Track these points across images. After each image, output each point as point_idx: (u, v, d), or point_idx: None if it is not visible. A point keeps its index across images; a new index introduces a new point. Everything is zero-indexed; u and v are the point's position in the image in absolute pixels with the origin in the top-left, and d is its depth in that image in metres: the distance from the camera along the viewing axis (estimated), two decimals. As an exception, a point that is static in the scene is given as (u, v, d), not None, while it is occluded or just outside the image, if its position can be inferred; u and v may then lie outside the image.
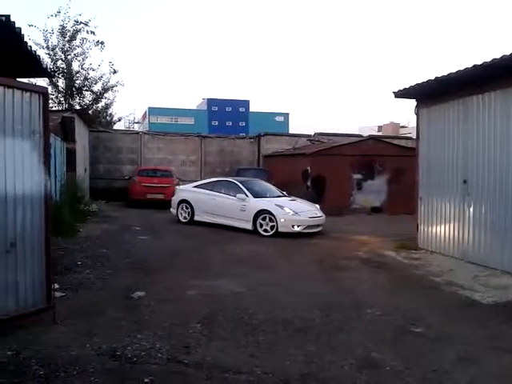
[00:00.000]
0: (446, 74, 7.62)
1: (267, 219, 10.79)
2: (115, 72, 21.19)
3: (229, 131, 45.95)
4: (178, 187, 13.58)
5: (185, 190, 12.87)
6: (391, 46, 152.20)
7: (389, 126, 53.56)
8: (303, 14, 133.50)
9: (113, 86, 21.87)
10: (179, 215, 12.54)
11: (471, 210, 7.80)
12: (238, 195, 11.46)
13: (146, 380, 3.48)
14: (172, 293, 5.81)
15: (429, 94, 8.79)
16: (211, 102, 65.10)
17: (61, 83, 20.09)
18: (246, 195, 11.41)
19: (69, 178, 13.19)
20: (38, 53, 6.91)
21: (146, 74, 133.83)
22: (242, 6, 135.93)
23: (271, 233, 10.68)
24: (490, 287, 6.35)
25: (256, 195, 11.53)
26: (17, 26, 5.37)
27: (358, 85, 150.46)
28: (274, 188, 12.70)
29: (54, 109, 17.15)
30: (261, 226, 10.85)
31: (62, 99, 20.19)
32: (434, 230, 8.81)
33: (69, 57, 19.77)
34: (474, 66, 7.00)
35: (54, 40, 19.35)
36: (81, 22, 19.38)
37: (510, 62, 6.42)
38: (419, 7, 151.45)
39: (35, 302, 4.45)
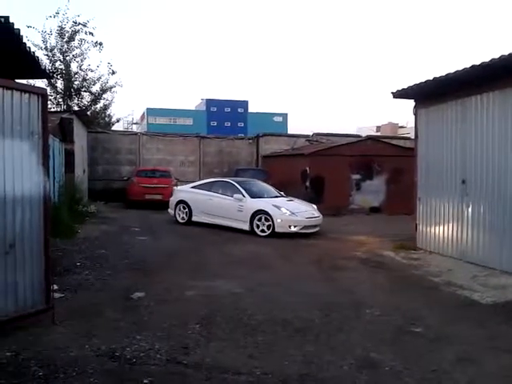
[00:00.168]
0: (444, 74, 7.63)
1: (264, 219, 10.80)
2: (114, 73, 21.23)
3: (227, 132, 46.02)
4: (175, 188, 13.58)
5: (182, 191, 12.87)
6: (390, 46, 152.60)
7: (387, 127, 53.62)
8: (302, 14, 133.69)
9: (111, 87, 21.94)
10: (177, 216, 12.54)
11: (470, 210, 7.81)
12: (235, 195, 11.46)
13: (145, 381, 3.48)
14: (171, 293, 5.81)
15: (427, 95, 8.80)
16: (210, 102, 65.17)
17: (59, 84, 20.09)
18: (243, 196, 11.41)
19: (67, 179, 13.17)
20: (36, 54, 6.91)
21: (144, 75, 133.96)
22: (240, 7, 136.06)
23: (268, 233, 10.67)
24: (489, 287, 6.36)
25: (253, 196, 11.54)
26: (15, 27, 5.37)
27: (356, 85, 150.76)
28: (271, 188, 12.71)
29: (52, 110, 17.11)
30: (258, 226, 10.85)
31: (60, 100, 20.19)
32: (432, 230, 8.82)
33: (67, 58, 19.76)
34: (472, 66, 7.01)
35: (52, 41, 19.36)
36: (79, 23, 19.38)
37: (508, 62, 6.43)
38: (418, 7, 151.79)
39: (34, 303, 4.45)
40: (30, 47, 6.31)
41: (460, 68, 7.27)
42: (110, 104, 24.21)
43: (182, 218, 12.41)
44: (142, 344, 4.15)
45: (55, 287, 5.19)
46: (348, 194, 16.01)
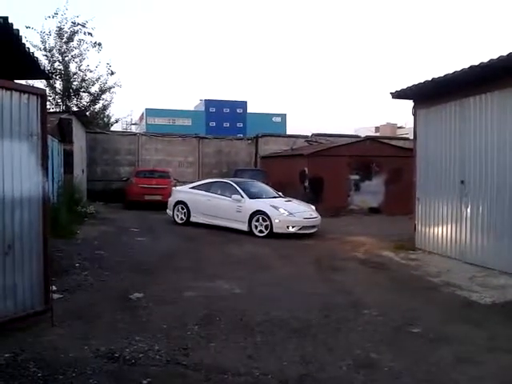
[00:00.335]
0: (443, 75, 7.64)
1: (262, 220, 10.79)
2: (112, 73, 21.27)
3: (226, 132, 45.87)
4: (174, 188, 13.57)
5: (181, 191, 12.86)
6: (388, 46, 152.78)
7: (386, 127, 53.76)
8: (301, 14, 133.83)
9: (110, 88, 21.92)
10: (175, 216, 12.52)
11: (468, 210, 7.82)
12: (233, 196, 11.46)
13: (144, 382, 3.48)
14: (170, 294, 5.80)
15: (426, 95, 8.81)
16: (209, 103, 65.04)
17: (58, 85, 20.12)
18: (242, 196, 11.40)
19: (66, 180, 13.16)
20: (35, 54, 6.91)
21: (143, 76, 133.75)
22: (239, 7, 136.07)
23: (266, 233, 10.67)
24: (488, 287, 6.36)
25: (252, 196, 11.53)
26: (14, 27, 5.36)
27: (355, 86, 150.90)
28: (269, 189, 12.71)
29: (51, 110, 17.12)
30: (256, 226, 10.85)
31: (59, 101, 20.21)
32: (431, 230, 8.83)
33: (66, 58, 19.79)
34: (471, 67, 7.02)
35: (51, 41, 19.40)
36: (78, 24, 19.43)
37: (506, 62, 6.43)
38: (417, 7, 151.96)
39: (33, 304, 4.44)
40: (28, 48, 6.31)
41: (459, 69, 7.28)
42: (108, 104, 24.22)
43: (181, 219, 12.40)
44: (141, 345, 4.14)
45: (54, 288, 5.18)
46: (347, 194, 16.03)
